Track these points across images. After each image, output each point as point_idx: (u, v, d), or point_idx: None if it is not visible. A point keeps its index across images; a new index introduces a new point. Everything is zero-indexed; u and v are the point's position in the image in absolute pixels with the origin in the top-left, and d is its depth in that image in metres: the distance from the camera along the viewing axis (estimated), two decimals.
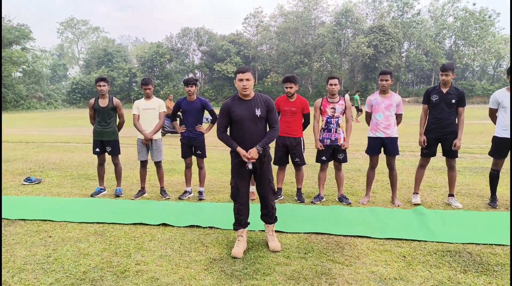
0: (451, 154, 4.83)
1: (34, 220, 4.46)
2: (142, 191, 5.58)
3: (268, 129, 3.61)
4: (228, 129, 3.62)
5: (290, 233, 4.01)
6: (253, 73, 3.49)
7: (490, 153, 4.90)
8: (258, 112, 3.44)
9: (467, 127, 15.42)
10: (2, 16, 54.45)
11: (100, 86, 5.41)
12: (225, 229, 4.10)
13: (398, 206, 4.89)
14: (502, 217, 4.41)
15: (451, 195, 4.97)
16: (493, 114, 4.92)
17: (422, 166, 5.05)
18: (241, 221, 3.60)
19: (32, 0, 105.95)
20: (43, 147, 11.54)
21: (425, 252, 3.51)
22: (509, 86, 4.68)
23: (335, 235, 3.93)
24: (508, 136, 4.61)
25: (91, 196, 5.56)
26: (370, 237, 3.86)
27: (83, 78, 61.97)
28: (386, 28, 54.45)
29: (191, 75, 57.54)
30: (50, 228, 4.23)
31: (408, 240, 3.79)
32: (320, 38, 58.97)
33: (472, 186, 5.94)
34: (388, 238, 3.83)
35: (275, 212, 3.74)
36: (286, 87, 5.04)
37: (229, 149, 3.62)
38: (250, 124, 3.44)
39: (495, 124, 4.88)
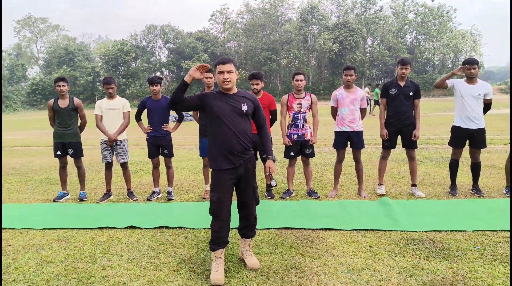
0: (411, 145, 5.01)
1: None
2: (108, 194, 5.42)
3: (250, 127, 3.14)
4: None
5: (260, 229, 4.01)
6: (236, 65, 3.05)
7: (449, 143, 5.12)
8: (244, 107, 2.99)
9: (429, 119, 16.06)
10: None
11: (60, 86, 5.20)
12: (195, 229, 4.06)
13: (364, 197, 5.02)
14: (461, 204, 4.63)
15: (413, 185, 5.16)
16: (441, 84, 5.02)
17: (384, 158, 5.21)
18: (221, 239, 3.03)
19: None
20: (1, 151, 10.97)
21: (390, 242, 3.62)
22: (466, 78, 4.89)
23: (304, 229, 3.98)
24: (466, 126, 4.83)
25: (54, 201, 5.34)
26: (338, 229, 3.94)
27: (43, 78, 59.34)
28: (350, 24, 55.67)
29: (158, 73, 56.50)
30: (10, 236, 4.03)
31: (374, 230, 3.90)
32: (287, 34, 59.50)
33: (434, 175, 6.19)
34: (355, 229, 3.92)
35: (256, 224, 3.28)
36: (253, 84, 5.04)
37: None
38: (235, 120, 2.96)
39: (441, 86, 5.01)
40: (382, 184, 5.23)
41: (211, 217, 3.08)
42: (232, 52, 62.17)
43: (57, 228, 4.21)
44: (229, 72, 2.96)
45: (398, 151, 7.21)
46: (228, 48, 62.74)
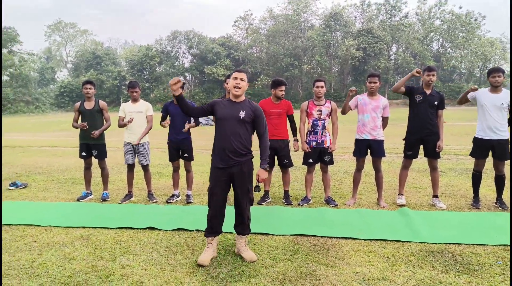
0: (433, 155, 4.92)
1: (19, 224, 4.41)
2: (129, 195, 5.56)
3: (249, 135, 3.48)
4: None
5: (276, 235, 4.03)
6: (249, 77, 3.45)
7: (471, 154, 5.00)
8: (241, 114, 3.33)
9: (454, 128, 15.69)
10: None
11: (86, 88, 5.41)
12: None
13: (384, 207, 4.96)
14: (484, 217, 4.51)
15: (435, 196, 5.06)
16: (462, 100, 4.99)
17: (405, 167, 5.13)
18: (213, 228, 3.48)
19: (20, 2, 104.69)
20: (30, 151, 11.41)
21: (408, 253, 3.57)
22: (490, 87, 4.78)
23: (321, 236, 3.97)
24: (488, 137, 4.71)
25: (78, 200, 5.52)
26: (355, 238, 3.91)
27: (71, 81, 61.32)
28: (375, 31, 55.12)
29: (181, 78, 57.27)
30: (36, 233, 4.19)
31: (392, 240, 3.85)
32: (310, 41, 59.44)
33: (456, 187, 6.05)
34: (373, 239, 3.88)
35: (250, 223, 3.59)
36: (280, 90, 5.08)
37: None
38: (232, 125, 3.32)
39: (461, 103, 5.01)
40: (402, 194, 5.16)
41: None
42: (254, 58, 62.57)
43: (80, 227, 4.35)
44: (241, 79, 3.33)
45: (421, 161, 7.08)
46: (251, 54, 63.16)
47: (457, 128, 15.55)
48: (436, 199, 5.03)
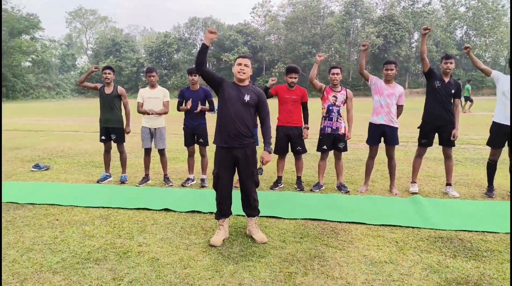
0: (448, 143, 4.89)
1: (42, 204, 4.64)
2: (146, 178, 5.74)
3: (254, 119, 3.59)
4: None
5: (287, 219, 4.13)
6: (253, 63, 3.55)
7: (488, 143, 4.95)
8: (246, 98, 3.43)
9: (474, 118, 15.32)
10: (12, 5, 54.85)
11: (106, 73, 5.58)
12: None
13: (396, 194, 4.98)
14: (496, 206, 4.49)
15: (448, 184, 5.04)
16: (485, 70, 4.82)
17: (419, 155, 5.12)
18: (222, 210, 3.60)
19: None
20: (52, 135, 11.78)
21: (418, 238, 3.61)
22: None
23: (331, 221, 4.04)
24: (507, 123, 4.64)
25: (97, 182, 5.74)
26: (364, 224, 3.97)
27: (91, 68, 62.32)
28: (396, 18, 53.74)
29: None
30: (58, 212, 4.40)
31: (401, 226, 3.89)
32: (329, 28, 58.47)
33: (471, 176, 5.99)
34: (382, 225, 3.93)
35: (258, 204, 3.67)
36: (290, 77, 5.11)
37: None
38: (237, 107, 3.41)
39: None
40: (415, 182, 5.16)
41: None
42: (272, 45, 62.09)
43: (99, 207, 4.54)
44: (246, 65, 3.45)
45: (437, 150, 7.00)
46: (268, 41, 62.69)
47: (477, 118, 15.19)
48: (449, 187, 5.01)
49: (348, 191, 5.11)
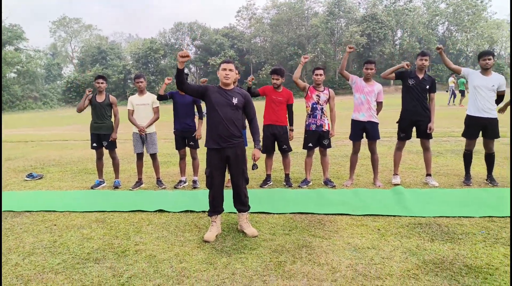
0: (425, 136, 5.17)
1: (39, 211, 4.77)
2: (139, 182, 5.89)
3: (241, 120, 3.80)
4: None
5: (276, 214, 4.34)
6: (237, 69, 3.76)
7: (463, 134, 5.23)
8: (234, 101, 3.63)
9: (459, 112, 15.75)
10: None
11: (99, 83, 5.73)
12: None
13: (379, 186, 5.23)
14: (473, 193, 4.77)
15: (428, 174, 5.31)
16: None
17: (399, 148, 5.39)
18: (215, 207, 3.80)
19: (23, 0, 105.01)
20: (42, 145, 11.82)
21: (398, 225, 3.85)
22: (481, 70, 4.99)
23: (318, 214, 4.27)
24: (480, 115, 4.93)
25: (91, 188, 5.87)
26: (350, 215, 4.20)
27: (77, 76, 61.73)
28: (379, 16, 54.59)
29: (185, 70, 57.39)
30: (55, 217, 4.54)
31: (383, 215, 4.13)
32: (314, 28, 59.05)
33: (451, 166, 6.29)
34: (366, 215, 4.17)
35: (248, 200, 3.89)
36: (273, 79, 5.34)
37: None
38: (226, 110, 3.60)
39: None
40: (397, 174, 5.42)
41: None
42: (258, 48, 62.40)
43: (95, 211, 4.69)
44: (230, 70, 3.64)
45: (418, 144, 7.29)
46: (254, 44, 63.00)
47: (461, 111, 15.63)
48: (429, 177, 5.28)
49: (334, 186, 5.34)
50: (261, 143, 3.87)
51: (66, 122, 24.09)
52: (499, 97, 5.01)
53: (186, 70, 3.66)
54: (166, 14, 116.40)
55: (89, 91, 5.66)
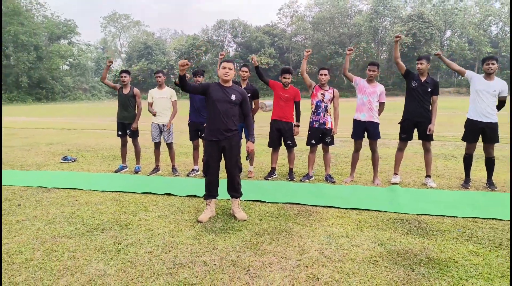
0: (426, 138, 5.28)
1: (65, 188, 5.43)
2: (156, 169, 6.45)
3: (237, 115, 4.12)
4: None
5: (270, 202, 4.68)
6: (235, 67, 4.11)
7: (463, 138, 5.29)
8: (233, 97, 3.98)
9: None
10: (51, 12, 58.06)
11: (123, 77, 6.35)
12: (218, 199, 4.84)
13: (377, 184, 5.41)
14: (467, 195, 4.85)
15: (428, 176, 5.42)
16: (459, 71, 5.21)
17: (400, 149, 5.53)
18: (210, 191, 4.18)
19: None
20: (82, 133, 12.87)
21: (379, 219, 4.07)
22: (484, 74, 5.03)
23: (308, 205, 4.56)
24: (479, 119, 4.98)
25: (115, 172, 6.51)
26: (338, 207, 4.46)
27: (106, 62, 64.77)
28: (426, 16, 52.70)
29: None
30: (78, 194, 5.17)
31: (369, 210, 4.35)
32: (356, 27, 58.08)
33: (456, 169, 6.31)
34: (353, 208, 4.41)
35: (240, 187, 4.23)
36: (285, 78, 5.66)
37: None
38: (225, 106, 3.96)
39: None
40: (397, 174, 5.57)
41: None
42: (298, 46, 62.33)
43: (113, 191, 5.27)
44: (229, 68, 3.99)
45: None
46: (295, 42, 62.95)
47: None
48: (428, 178, 5.39)
49: (334, 182, 5.59)
50: (254, 137, 4.21)
51: (109, 113, 25.61)
52: (501, 103, 5.02)
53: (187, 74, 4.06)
54: (212, 9, 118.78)
55: (109, 62, 6.39)
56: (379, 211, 4.33)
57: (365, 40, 57.15)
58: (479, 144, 5.23)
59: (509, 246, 3.40)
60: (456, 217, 4.12)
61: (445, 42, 58.56)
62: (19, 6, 51.15)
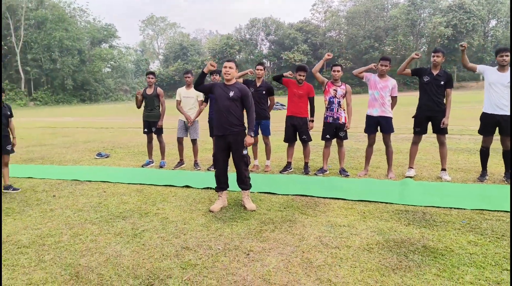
0: (440, 131, 5.25)
1: (96, 181, 5.91)
2: (180, 163, 6.83)
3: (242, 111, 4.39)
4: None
5: (281, 194, 4.88)
6: (236, 66, 4.39)
7: (479, 131, 5.21)
8: (231, 93, 4.23)
9: None
10: (93, 17, 60.97)
11: (149, 78, 6.78)
12: (232, 191, 5.09)
13: (391, 178, 5.46)
14: (480, 188, 4.81)
15: (443, 169, 5.39)
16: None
17: (415, 143, 5.53)
18: (220, 184, 4.46)
19: (118, 0, 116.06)
20: (118, 131, 13.63)
21: (384, 211, 4.16)
22: (498, 66, 4.95)
23: (317, 197, 4.72)
24: (494, 112, 4.91)
25: (142, 166, 6.95)
26: (345, 199, 4.58)
27: (162, 71, 67.03)
28: (467, 5, 50.29)
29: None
30: (106, 186, 5.62)
31: (376, 202, 4.44)
32: (393, 20, 56.45)
33: (477, 163, 6.18)
34: (361, 200, 4.51)
35: (249, 180, 4.46)
36: (299, 75, 5.83)
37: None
38: (225, 102, 4.24)
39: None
40: (412, 168, 5.57)
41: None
42: (332, 41, 61.49)
43: (138, 183, 5.68)
44: (230, 67, 4.29)
45: (450, 140, 7.20)
46: (329, 38, 62.16)
47: None
48: (444, 172, 5.36)
49: (348, 175, 5.69)
50: (253, 132, 4.42)
51: None
52: None
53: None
54: (246, 8, 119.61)
55: (138, 93, 6.76)
56: (386, 203, 4.41)
57: (402, 33, 55.43)
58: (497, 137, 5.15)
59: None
60: (464, 209, 4.13)
61: (489, 33, 55.58)
62: (63, 13, 54.21)
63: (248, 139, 4.34)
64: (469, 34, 51.31)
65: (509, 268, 2.86)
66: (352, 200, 4.55)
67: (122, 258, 3.22)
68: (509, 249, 3.16)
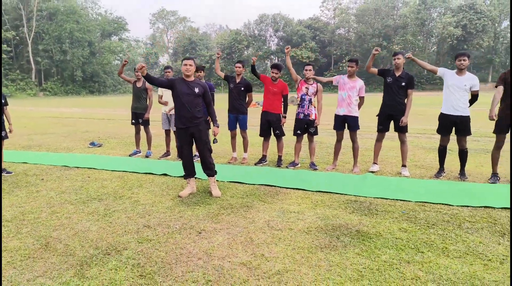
0: (401, 130, 5.59)
1: (84, 167, 6.38)
2: (166, 154, 7.25)
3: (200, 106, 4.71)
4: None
5: (248, 184, 5.28)
6: (196, 64, 4.76)
7: (437, 131, 5.53)
8: (196, 90, 4.60)
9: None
10: (104, 9, 61.65)
11: (137, 72, 7.17)
12: (204, 179, 5.51)
13: (355, 172, 5.81)
14: (431, 184, 5.13)
15: (403, 165, 5.73)
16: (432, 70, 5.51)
17: (378, 140, 5.87)
18: (187, 171, 4.85)
19: None
20: (119, 122, 14.12)
21: (335, 200, 4.53)
22: (456, 70, 5.26)
23: (280, 187, 5.11)
24: (451, 113, 5.23)
25: (129, 156, 7.40)
26: (305, 190, 4.95)
27: (171, 65, 67.59)
28: (478, 6, 49.79)
29: (274, 62, 58.87)
30: (91, 172, 6.08)
31: (332, 192, 4.81)
32: (402, 19, 56.14)
33: (434, 161, 6.48)
34: (319, 191, 4.88)
35: (214, 167, 4.86)
36: (273, 73, 6.19)
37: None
38: (188, 98, 4.56)
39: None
40: (376, 163, 5.92)
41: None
42: (341, 39, 61.37)
43: (120, 171, 6.13)
44: (190, 65, 4.63)
45: (420, 138, 7.44)
46: (338, 35, 62.02)
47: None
48: (404, 168, 5.70)
49: (316, 169, 6.06)
50: (218, 123, 4.81)
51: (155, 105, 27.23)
52: (473, 97, 5.22)
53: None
54: (256, 5, 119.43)
55: (125, 61, 7.28)
56: (341, 194, 4.77)
57: (411, 32, 55.13)
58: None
59: (442, 226, 3.74)
60: (409, 201, 4.47)
61: (500, 34, 54.96)
62: (75, 5, 55.06)
63: (216, 130, 4.75)
64: (479, 35, 50.86)
65: (424, 251, 3.21)
66: (310, 191, 4.92)
67: (88, 233, 3.65)
68: (510, 247, 3.51)
